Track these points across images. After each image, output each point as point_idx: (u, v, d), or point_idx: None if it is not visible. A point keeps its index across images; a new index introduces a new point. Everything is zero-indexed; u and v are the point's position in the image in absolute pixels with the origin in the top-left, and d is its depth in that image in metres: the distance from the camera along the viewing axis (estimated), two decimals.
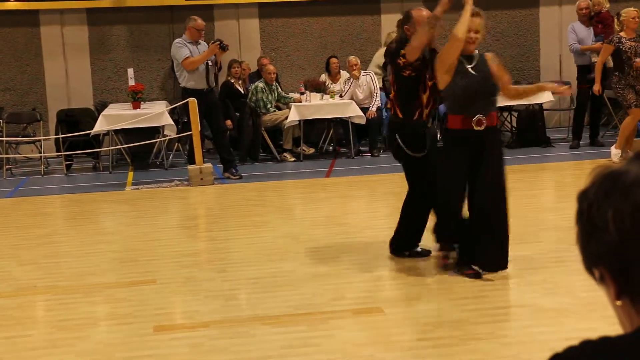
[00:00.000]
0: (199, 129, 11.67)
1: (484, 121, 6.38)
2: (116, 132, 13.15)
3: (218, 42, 11.70)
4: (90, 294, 6.72)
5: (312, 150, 13.88)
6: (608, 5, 13.32)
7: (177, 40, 12.04)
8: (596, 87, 12.17)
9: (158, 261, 7.61)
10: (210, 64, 11.83)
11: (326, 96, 13.69)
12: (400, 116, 6.77)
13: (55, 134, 13.50)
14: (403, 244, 7.24)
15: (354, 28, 15.66)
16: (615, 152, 11.68)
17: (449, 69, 6.36)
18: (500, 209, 6.46)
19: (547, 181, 11.49)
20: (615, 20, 12.06)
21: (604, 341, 1.38)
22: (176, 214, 10.35)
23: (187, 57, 11.63)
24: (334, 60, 14.49)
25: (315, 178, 11.82)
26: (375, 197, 10.64)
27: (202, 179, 11.47)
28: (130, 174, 12.84)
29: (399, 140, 6.80)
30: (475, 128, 6.38)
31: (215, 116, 12.04)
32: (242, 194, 10.84)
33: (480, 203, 6.45)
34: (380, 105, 13.54)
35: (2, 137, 13.42)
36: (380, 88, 13.69)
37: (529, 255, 7.20)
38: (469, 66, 6.52)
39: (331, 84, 14.24)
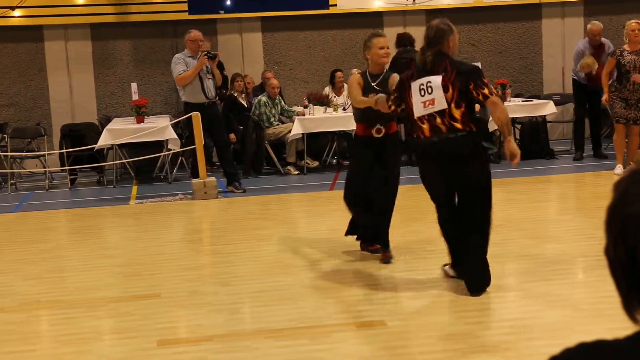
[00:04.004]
0: (202, 142, 11.69)
1: (383, 129, 7.51)
2: (120, 146, 13.18)
3: (205, 53, 11.72)
4: (94, 308, 6.73)
5: (315, 164, 13.89)
6: (596, 67, 13.08)
7: (176, 55, 12.10)
8: (604, 97, 12.03)
9: (162, 275, 7.63)
10: (209, 76, 11.83)
11: (329, 109, 13.72)
12: (475, 129, 6.54)
13: (60, 149, 13.55)
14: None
15: (357, 41, 15.69)
16: (617, 167, 11.78)
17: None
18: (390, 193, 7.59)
19: (550, 193, 11.49)
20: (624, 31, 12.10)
21: (600, 344, 1.41)
22: (180, 227, 10.37)
23: (180, 73, 11.70)
24: (339, 74, 14.54)
25: (319, 191, 11.83)
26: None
27: (206, 192, 11.49)
28: (135, 188, 12.86)
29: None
30: (375, 135, 7.52)
31: (217, 130, 12.05)
32: (246, 208, 10.86)
33: (378, 191, 7.58)
34: None
35: (7, 152, 13.45)
36: None
37: (531, 268, 7.21)
38: (374, 84, 7.51)
39: (334, 97, 14.28)
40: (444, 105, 6.40)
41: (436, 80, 6.44)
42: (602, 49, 13.21)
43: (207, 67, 11.77)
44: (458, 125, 6.41)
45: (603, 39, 13.37)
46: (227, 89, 14.05)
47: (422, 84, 6.51)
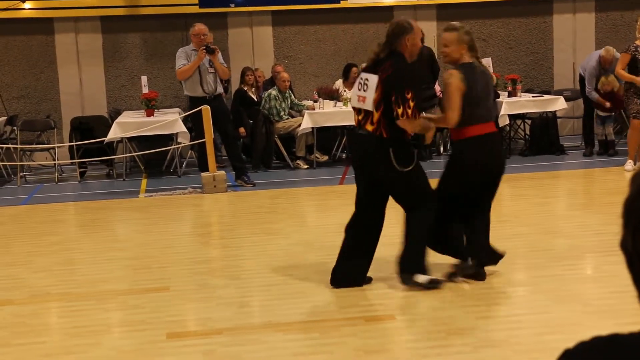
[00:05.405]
0: (212, 136, 11.70)
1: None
2: (130, 139, 13.19)
3: (204, 47, 11.71)
4: (104, 301, 6.74)
5: (325, 158, 13.89)
6: (617, 84, 13.03)
7: (180, 48, 12.14)
8: (638, 79, 11.82)
9: (171, 268, 7.63)
10: (210, 70, 11.79)
11: (339, 103, 13.71)
12: (386, 136, 6.40)
13: (69, 142, 13.57)
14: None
15: (367, 35, 15.68)
16: (628, 162, 11.75)
17: None
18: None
19: (560, 189, 11.46)
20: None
21: (614, 338, 1.41)
22: (189, 221, 10.38)
23: (180, 67, 11.74)
24: (354, 70, 14.43)
25: (329, 185, 11.83)
26: (388, 204, 10.61)
27: (215, 186, 11.49)
28: (144, 181, 12.88)
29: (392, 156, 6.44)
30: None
31: (222, 123, 12.04)
32: (255, 202, 10.86)
33: None
34: None
35: (17, 144, 13.48)
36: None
37: (541, 263, 7.19)
38: None
39: (344, 91, 14.26)
40: (370, 108, 6.42)
41: (373, 81, 6.42)
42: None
43: (209, 61, 11.75)
44: (368, 127, 6.47)
45: (616, 53, 13.38)
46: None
47: (362, 79, 6.54)
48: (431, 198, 6.59)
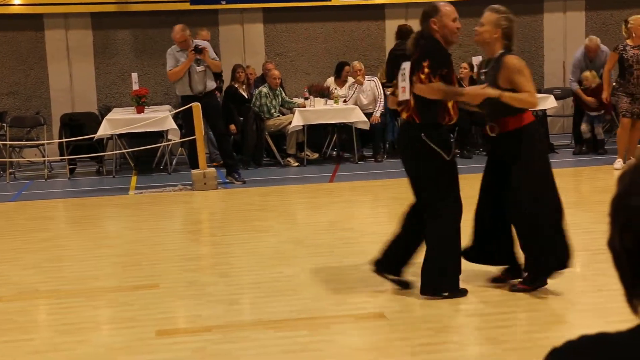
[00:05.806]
0: (203, 133, 11.68)
1: (496, 128, 6.32)
2: (120, 136, 13.16)
3: (192, 49, 11.70)
4: (93, 298, 6.72)
5: (315, 155, 13.88)
6: (598, 81, 13.12)
7: (170, 48, 12.08)
8: (604, 95, 12.18)
9: (161, 265, 7.62)
10: (199, 69, 11.77)
11: (330, 101, 13.71)
12: (419, 121, 6.17)
13: (59, 138, 13.52)
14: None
15: (359, 33, 15.68)
16: (617, 161, 11.80)
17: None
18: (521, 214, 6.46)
19: None
20: (623, 27, 12.09)
21: (602, 337, 1.40)
22: (179, 218, 10.36)
23: (170, 69, 11.75)
24: (347, 68, 14.37)
25: (319, 183, 11.82)
26: (379, 202, 10.65)
27: (205, 183, 11.48)
28: (134, 179, 12.85)
29: (428, 141, 6.12)
30: (490, 134, 6.39)
31: (213, 120, 12.04)
32: (246, 199, 10.85)
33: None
34: (384, 110, 13.56)
35: (6, 141, 13.44)
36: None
37: None
38: (483, 70, 6.55)
39: (336, 89, 14.25)
40: (408, 96, 6.21)
41: (408, 68, 6.24)
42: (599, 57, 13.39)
43: (197, 60, 11.72)
44: (404, 114, 6.30)
45: (602, 46, 13.45)
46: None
47: (402, 70, 6.35)
48: (452, 200, 6.25)
